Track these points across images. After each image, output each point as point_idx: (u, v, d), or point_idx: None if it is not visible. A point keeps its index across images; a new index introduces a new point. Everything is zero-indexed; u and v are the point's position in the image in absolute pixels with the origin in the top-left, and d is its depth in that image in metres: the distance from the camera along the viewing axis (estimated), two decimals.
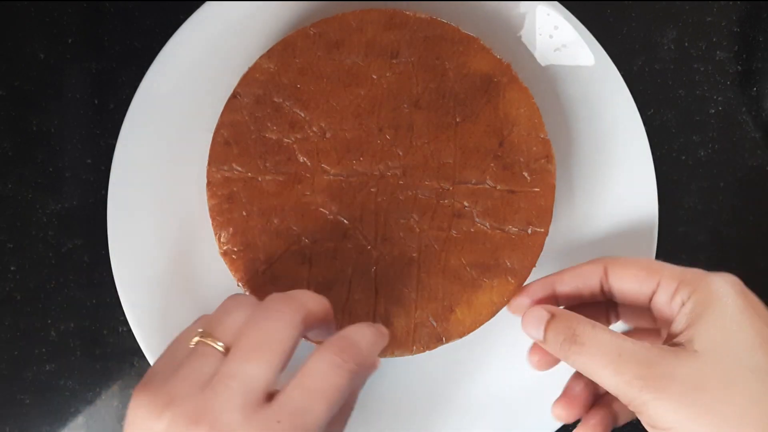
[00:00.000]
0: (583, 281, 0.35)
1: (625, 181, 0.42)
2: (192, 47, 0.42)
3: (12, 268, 0.44)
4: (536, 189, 0.38)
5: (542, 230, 0.38)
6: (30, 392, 0.44)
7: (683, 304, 0.31)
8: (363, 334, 0.31)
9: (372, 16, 0.39)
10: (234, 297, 0.33)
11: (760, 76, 0.47)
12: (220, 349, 0.30)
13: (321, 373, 0.29)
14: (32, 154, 0.45)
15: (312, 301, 0.32)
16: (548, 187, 0.38)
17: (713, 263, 0.45)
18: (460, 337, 0.37)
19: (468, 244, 0.37)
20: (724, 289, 0.31)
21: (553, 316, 0.33)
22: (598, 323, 0.32)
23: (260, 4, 0.42)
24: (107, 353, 0.44)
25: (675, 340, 0.31)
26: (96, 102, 0.45)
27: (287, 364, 0.30)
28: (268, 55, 0.39)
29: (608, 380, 0.30)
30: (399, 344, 0.37)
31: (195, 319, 0.33)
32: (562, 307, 0.35)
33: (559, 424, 0.41)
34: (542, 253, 0.38)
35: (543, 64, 0.42)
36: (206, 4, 0.42)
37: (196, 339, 0.31)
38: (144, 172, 0.41)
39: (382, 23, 0.39)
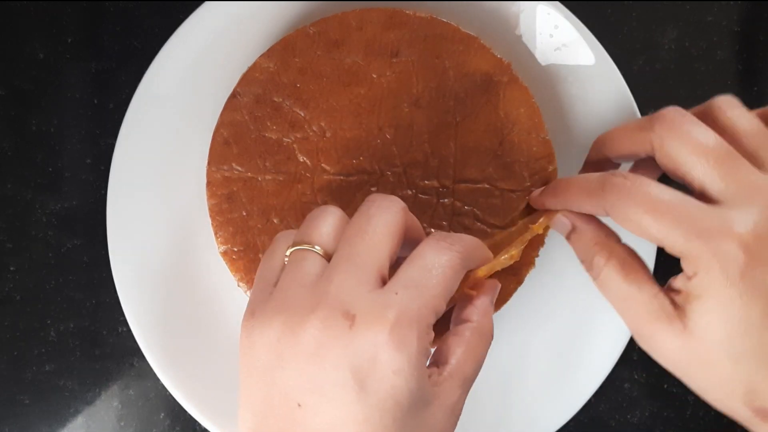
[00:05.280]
0: (590, 212, 0.33)
1: None
2: (191, 47, 0.42)
3: (12, 268, 0.44)
4: (536, 189, 0.38)
5: (542, 230, 0.38)
6: (30, 392, 0.44)
7: (686, 275, 0.30)
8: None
9: (372, 15, 0.39)
10: (319, 208, 0.32)
11: (760, 76, 0.47)
12: (320, 252, 0.30)
13: (431, 252, 0.29)
14: (32, 154, 0.45)
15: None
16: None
17: None
18: None
19: None
20: (730, 271, 0.28)
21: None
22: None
23: (260, 3, 0.42)
24: (107, 353, 0.44)
25: (676, 297, 0.30)
26: (96, 102, 0.45)
27: (398, 250, 0.30)
28: (268, 54, 0.39)
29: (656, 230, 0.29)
30: None
31: (274, 239, 0.32)
32: None
33: (556, 426, 0.40)
34: (542, 251, 0.38)
35: (543, 64, 0.42)
36: (205, 4, 0.42)
37: (291, 249, 0.30)
38: (144, 171, 0.41)
39: (381, 22, 0.39)
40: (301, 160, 0.38)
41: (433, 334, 0.28)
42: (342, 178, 0.38)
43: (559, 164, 0.39)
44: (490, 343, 0.31)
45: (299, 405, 0.27)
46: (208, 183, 0.38)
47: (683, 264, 0.29)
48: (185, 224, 0.41)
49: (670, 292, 0.30)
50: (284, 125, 0.39)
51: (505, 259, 0.33)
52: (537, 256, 0.38)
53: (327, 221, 0.30)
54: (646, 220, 0.29)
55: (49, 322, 0.44)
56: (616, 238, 0.33)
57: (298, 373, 0.27)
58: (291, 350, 0.28)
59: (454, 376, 0.29)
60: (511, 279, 0.37)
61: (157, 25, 0.45)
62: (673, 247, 0.29)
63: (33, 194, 0.45)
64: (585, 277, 0.41)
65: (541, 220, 0.35)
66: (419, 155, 0.38)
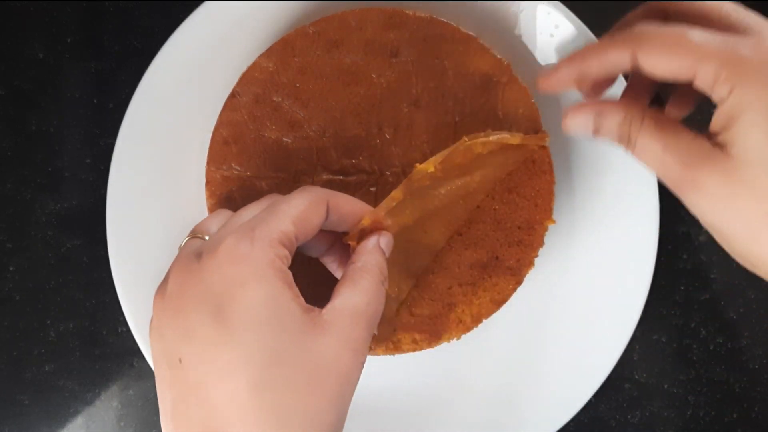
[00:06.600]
0: (613, 67, 0.31)
1: (624, 181, 0.42)
2: (191, 47, 0.42)
3: (11, 268, 0.44)
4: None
5: (541, 229, 0.38)
6: (29, 392, 0.44)
7: (722, 101, 0.28)
8: None
9: (371, 15, 0.39)
10: (214, 211, 0.34)
11: None
12: (207, 239, 0.32)
13: (280, 198, 0.31)
14: (32, 154, 0.45)
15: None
16: (547, 186, 0.38)
17: (714, 263, 0.45)
18: (460, 335, 0.37)
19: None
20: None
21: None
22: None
23: (259, 3, 0.42)
24: (106, 353, 0.44)
25: (715, 140, 0.28)
26: (95, 102, 0.45)
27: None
28: (267, 54, 0.39)
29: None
30: (399, 342, 0.37)
31: None
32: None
33: (556, 426, 0.40)
34: (541, 251, 0.38)
35: (543, 64, 0.42)
36: (205, 4, 0.42)
37: (183, 242, 0.32)
38: (143, 171, 0.41)
39: (381, 22, 0.39)
40: (301, 160, 0.38)
41: (286, 252, 0.29)
42: (341, 178, 0.38)
43: (558, 164, 0.39)
44: (380, 277, 0.32)
45: (180, 360, 0.28)
46: (207, 182, 0.39)
47: (716, 89, 0.27)
48: (185, 224, 0.41)
49: (707, 138, 0.29)
50: (283, 125, 0.39)
51: (388, 200, 0.34)
52: (537, 256, 0.38)
53: (217, 217, 0.33)
54: (679, 57, 0.28)
55: (49, 322, 0.44)
56: (642, 102, 0.31)
57: (172, 330, 0.28)
58: (162, 311, 0.29)
59: (340, 308, 0.30)
60: (510, 279, 0.37)
61: (157, 25, 0.45)
62: (707, 75, 0.27)
63: (33, 194, 0.45)
64: (585, 276, 0.42)
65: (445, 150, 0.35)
66: (418, 155, 0.38)
